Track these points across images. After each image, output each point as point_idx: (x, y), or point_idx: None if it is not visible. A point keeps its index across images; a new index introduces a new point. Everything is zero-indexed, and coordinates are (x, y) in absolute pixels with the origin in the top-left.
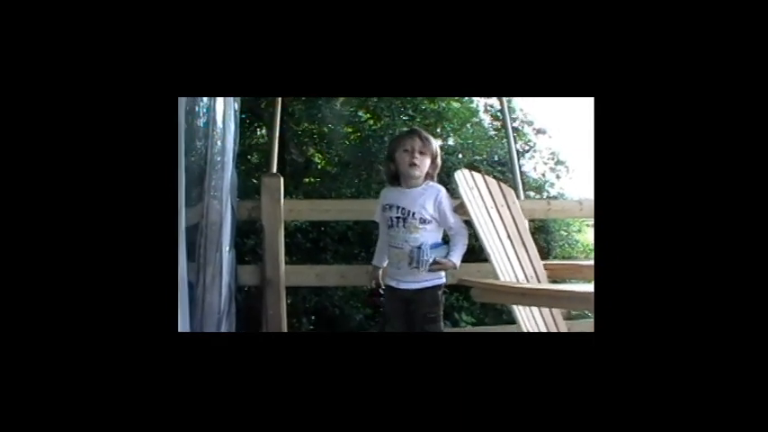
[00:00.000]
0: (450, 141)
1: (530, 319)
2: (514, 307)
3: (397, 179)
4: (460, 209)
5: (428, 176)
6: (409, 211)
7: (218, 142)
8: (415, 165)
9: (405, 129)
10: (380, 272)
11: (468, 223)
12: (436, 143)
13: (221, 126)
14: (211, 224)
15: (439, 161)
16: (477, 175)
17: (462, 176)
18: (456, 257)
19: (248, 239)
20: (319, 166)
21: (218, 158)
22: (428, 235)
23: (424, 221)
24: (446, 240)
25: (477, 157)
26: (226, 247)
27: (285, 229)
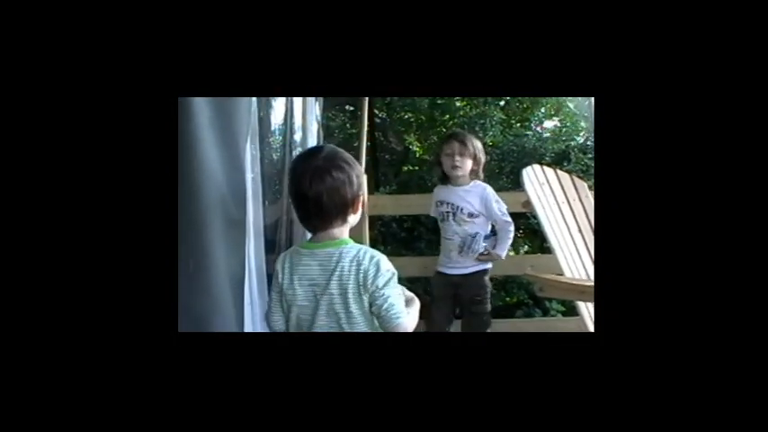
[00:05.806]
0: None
1: (592, 315)
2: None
3: (446, 178)
4: (527, 205)
5: (473, 174)
6: (458, 207)
7: (298, 139)
8: (456, 167)
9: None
10: None
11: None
12: (477, 143)
13: (300, 124)
14: (294, 220)
15: (482, 158)
16: (549, 171)
17: (532, 173)
18: (502, 250)
19: None
20: (417, 155)
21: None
22: (477, 227)
23: (471, 215)
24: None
25: (572, 142)
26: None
27: (380, 219)
